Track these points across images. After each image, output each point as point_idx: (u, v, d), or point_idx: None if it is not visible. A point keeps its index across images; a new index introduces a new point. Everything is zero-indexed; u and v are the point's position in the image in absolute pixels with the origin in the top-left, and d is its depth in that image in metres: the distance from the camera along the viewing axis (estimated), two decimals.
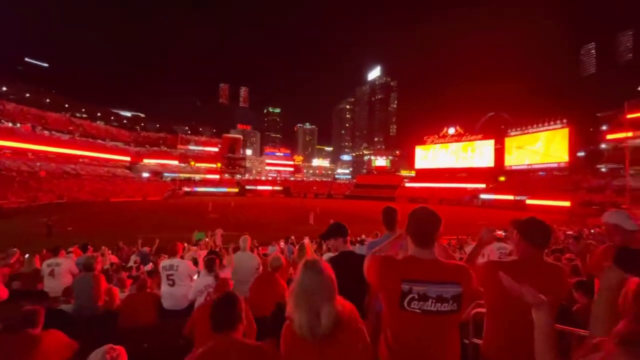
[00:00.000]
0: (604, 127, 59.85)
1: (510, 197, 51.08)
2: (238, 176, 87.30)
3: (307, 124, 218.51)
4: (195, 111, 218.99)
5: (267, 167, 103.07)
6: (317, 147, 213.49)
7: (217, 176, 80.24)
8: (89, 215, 27.64)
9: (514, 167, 63.82)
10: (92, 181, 51.27)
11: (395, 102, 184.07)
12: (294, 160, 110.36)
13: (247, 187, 76.84)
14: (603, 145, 58.32)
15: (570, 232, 14.46)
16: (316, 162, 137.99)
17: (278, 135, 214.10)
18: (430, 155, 77.75)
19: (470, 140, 71.45)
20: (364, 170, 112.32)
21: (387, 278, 1.39)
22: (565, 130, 56.48)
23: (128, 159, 70.70)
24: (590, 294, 2.26)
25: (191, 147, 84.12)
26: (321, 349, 1.15)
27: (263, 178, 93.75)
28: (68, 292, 3.73)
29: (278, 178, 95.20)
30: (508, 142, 65.80)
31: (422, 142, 79.71)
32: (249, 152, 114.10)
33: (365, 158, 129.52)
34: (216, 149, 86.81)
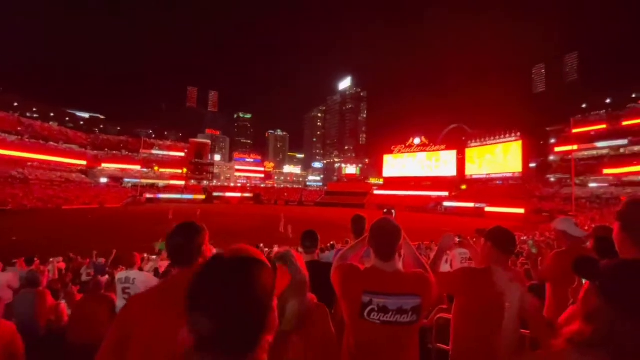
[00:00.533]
0: (553, 141, 65.59)
1: (471, 205, 53.92)
2: (205, 182, 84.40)
3: (279, 130, 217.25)
4: (160, 114, 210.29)
5: (237, 174, 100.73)
6: (289, 154, 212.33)
7: (183, 182, 77.01)
8: (37, 224, 25.32)
9: (474, 176, 67.64)
10: (42, 187, 47.33)
11: (365, 112, 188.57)
12: (264, 166, 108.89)
13: (215, 193, 74.43)
14: (552, 157, 63.75)
15: (524, 238, 15.60)
16: (287, 168, 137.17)
17: (249, 141, 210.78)
18: (398, 164, 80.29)
19: (434, 151, 74.86)
20: (335, 178, 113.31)
21: (350, 288, 1.41)
22: (519, 143, 60.97)
23: (84, 163, 65.99)
24: (543, 297, 2.38)
25: (155, 152, 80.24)
26: (284, 344, 1.11)
27: (232, 184, 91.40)
28: (7, 311, 3.34)
29: (248, 184, 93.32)
30: (469, 152, 69.78)
31: (390, 151, 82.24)
32: (217, 157, 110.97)
33: (336, 166, 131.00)
34: (182, 154, 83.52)
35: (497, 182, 63.62)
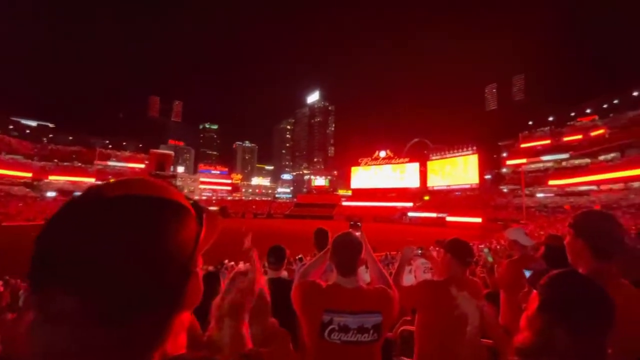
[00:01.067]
0: (504, 154, 70.73)
1: (434, 215, 56.25)
2: None
3: (247, 142, 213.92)
4: (118, 124, 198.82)
5: (202, 186, 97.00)
6: (257, 165, 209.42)
7: None
8: None
9: (436, 188, 70.89)
10: None
11: (333, 125, 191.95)
12: (231, 178, 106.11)
13: None
14: (504, 170, 68.63)
15: (482, 246, 16.49)
16: (256, 180, 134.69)
17: (215, 153, 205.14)
18: (365, 176, 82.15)
19: (398, 163, 77.72)
20: (304, 190, 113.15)
21: (310, 307, 1.37)
22: (475, 156, 65.13)
23: (29, 175, 60.20)
24: (499, 305, 2.47)
25: (112, 163, 75.28)
26: None
27: (196, 197, 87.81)
28: None
29: (214, 197, 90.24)
30: (430, 165, 73.26)
31: (357, 164, 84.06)
32: (180, 169, 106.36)
33: (306, 177, 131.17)
34: (142, 166, 79.15)
35: (457, 192, 67.09)
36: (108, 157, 75.31)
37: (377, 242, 26.02)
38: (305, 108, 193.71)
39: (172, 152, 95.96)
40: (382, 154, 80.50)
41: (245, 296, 1.21)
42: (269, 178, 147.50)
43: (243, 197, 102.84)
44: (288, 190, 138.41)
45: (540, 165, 60.95)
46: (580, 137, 56.46)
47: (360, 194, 79.97)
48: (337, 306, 1.33)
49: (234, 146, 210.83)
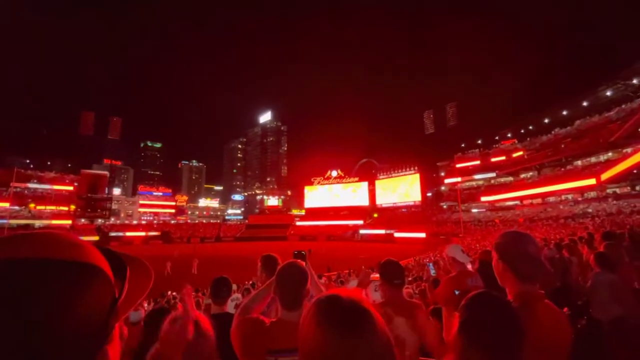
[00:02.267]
0: (443, 174, 76.99)
1: (383, 232, 58.38)
2: (100, 221, 72.21)
3: (194, 161, 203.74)
4: (42, 142, 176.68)
5: (142, 209, 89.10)
6: (206, 186, 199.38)
7: (69, 222, 64.49)
8: None
9: (384, 205, 74.08)
10: None
11: (286, 145, 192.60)
12: (176, 200, 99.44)
13: (112, 233, 63.97)
14: (443, 187, 74.39)
15: (427, 260, 17.44)
16: (204, 202, 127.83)
17: (157, 173, 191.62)
18: (318, 195, 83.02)
19: (349, 182, 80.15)
20: (257, 210, 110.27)
21: (251, 348, 1.24)
22: (417, 176, 69.89)
23: None
24: (441, 320, 2.56)
25: (32, 185, 66.05)
26: None
27: (135, 222, 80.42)
28: None
29: (155, 221, 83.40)
30: (378, 184, 76.74)
31: (310, 183, 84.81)
32: (117, 191, 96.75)
33: (258, 197, 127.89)
34: (70, 188, 70.60)
35: (403, 209, 70.86)
36: (28, 179, 65.95)
37: (331, 260, 26.15)
38: (257, 127, 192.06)
39: (106, 173, 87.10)
40: (334, 173, 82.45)
41: (172, 349, 1.02)
42: (218, 199, 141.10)
43: (189, 220, 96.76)
44: (239, 211, 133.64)
45: (473, 183, 67.42)
46: (504, 158, 63.93)
47: (313, 213, 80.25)
48: (281, 345, 1.20)
49: (179, 165, 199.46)
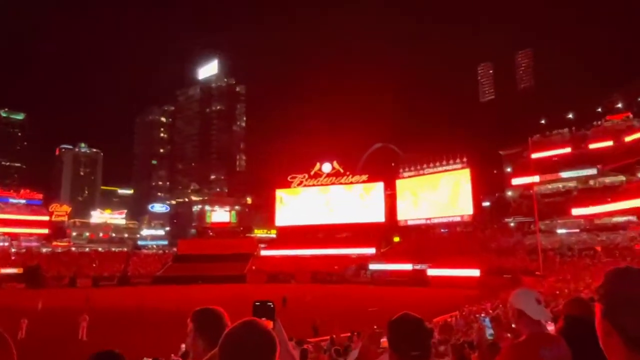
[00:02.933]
0: (508, 169, 77.89)
1: (408, 267, 58.75)
2: None
3: (83, 145, 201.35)
4: None
5: None
6: (104, 188, 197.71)
7: None
8: None
9: (410, 222, 74.83)
10: None
11: (244, 118, 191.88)
12: (51, 213, 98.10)
13: None
14: (509, 193, 75.36)
15: (481, 315, 17.36)
16: (99, 216, 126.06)
17: (18, 165, 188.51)
18: (298, 205, 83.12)
19: (352, 182, 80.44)
20: (193, 231, 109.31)
21: None
22: (466, 172, 70.77)
23: None
24: None
25: None
26: None
27: None
28: None
29: (13, 249, 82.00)
30: (401, 185, 77.48)
31: (286, 184, 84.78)
32: None
33: (195, 209, 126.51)
34: None
35: (442, 230, 71.74)
36: None
37: (321, 315, 25.86)
38: (195, 88, 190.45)
39: None
40: (327, 167, 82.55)
41: None
42: (125, 211, 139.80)
43: (74, 248, 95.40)
44: (161, 232, 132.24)
45: (559, 185, 68.60)
46: (610, 143, 65.02)
47: (290, 234, 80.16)
48: None
49: (56, 152, 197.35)
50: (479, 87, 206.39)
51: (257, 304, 1.72)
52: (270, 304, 1.72)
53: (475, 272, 50.71)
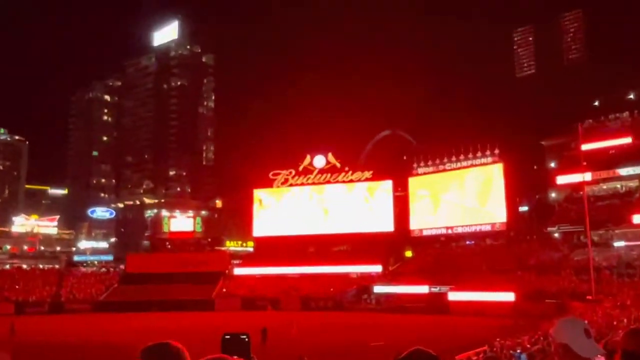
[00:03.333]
0: (552, 164, 78.09)
1: (424, 289, 58.95)
2: None
3: (3, 131, 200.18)
4: None
5: None
6: (28, 187, 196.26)
7: None
8: None
9: (426, 232, 75.02)
10: None
11: (213, 98, 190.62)
12: None
13: None
14: (553, 194, 75.54)
15: (516, 352, 17.36)
16: (24, 223, 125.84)
17: None
18: (283, 209, 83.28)
19: (352, 181, 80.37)
20: (146, 243, 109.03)
21: None
22: (499, 168, 70.84)
23: None
24: None
25: None
26: None
27: None
28: None
29: None
30: (414, 184, 77.68)
31: (267, 183, 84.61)
32: None
33: (149, 214, 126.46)
34: None
35: (467, 242, 72.15)
36: None
37: (311, 352, 25.71)
38: (149, 57, 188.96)
39: None
40: (319, 161, 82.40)
41: None
42: (58, 217, 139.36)
43: None
44: (104, 244, 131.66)
45: (618, 185, 68.86)
46: None
47: (272, 248, 79.81)
48: None
49: None
50: (515, 59, 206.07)
51: (227, 337, 1.77)
52: (245, 337, 1.78)
53: (509, 296, 50.89)
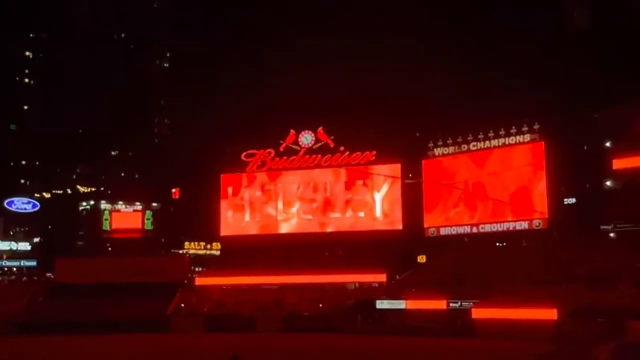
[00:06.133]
0: (607, 144, 78.13)
1: (441, 304, 59.11)
2: None
3: None
4: None
5: None
6: None
7: None
8: None
9: (444, 231, 75.24)
10: None
11: (168, 54, 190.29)
12: None
13: None
14: (609, 183, 75.65)
15: None
16: None
17: None
18: (259, 201, 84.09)
19: (348, 164, 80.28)
20: (80, 243, 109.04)
21: None
22: (539, 148, 70.43)
23: None
24: None
25: None
26: None
27: None
28: None
29: None
30: (431, 168, 77.77)
31: (238, 166, 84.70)
32: None
33: (83, 207, 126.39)
34: None
35: (497, 243, 73.23)
36: None
37: None
38: None
39: None
40: (306, 138, 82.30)
41: None
42: None
43: None
44: (26, 245, 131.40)
45: None
46: None
47: (245, 252, 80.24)
48: None
49: None
50: (567, 11, 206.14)
51: None
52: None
53: (550, 314, 50.97)
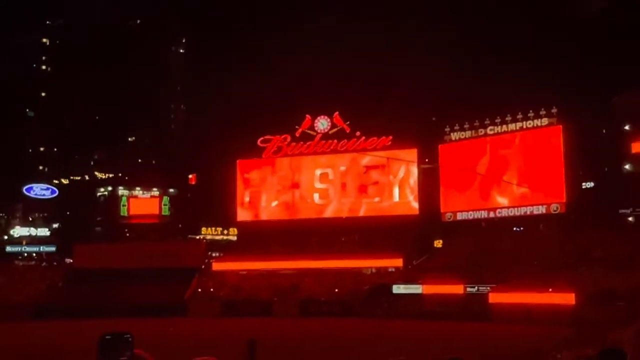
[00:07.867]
0: (627, 127, 77.49)
1: (458, 289, 59.46)
2: None
3: None
4: None
5: None
6: None
7: None
8: None
9: (461, 216, 75.20)
10: None
11: (183, 40, 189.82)
12: None
13: None
14: (627, 167, 75.07)
15: None
16: None
17: None
18: (275, 186, 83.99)
19: (365, 149, 79.53)
20: (98, 229, 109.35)
21: None
22: (557, 132, 70.17)
23: None
24: None
25: None
26: None
27: None
28: None
29: None
30: (447, 153, 77.49)
31: (254, 152, 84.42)
32: None
33: (101, 192, 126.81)
34: None
35: (515, 228, 72.94)
36: None
37: None
38: None
39: None
40: (322, 124, 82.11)
41: None
42: None
43: None
44: (45, 231, 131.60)
45: None
46: None
47: (262, 237, 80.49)
48: None
49: None
50: None
51: (107, 337, 1.77)
52: (128, 336, 1.78)
53: (568, 298, 51.00)
